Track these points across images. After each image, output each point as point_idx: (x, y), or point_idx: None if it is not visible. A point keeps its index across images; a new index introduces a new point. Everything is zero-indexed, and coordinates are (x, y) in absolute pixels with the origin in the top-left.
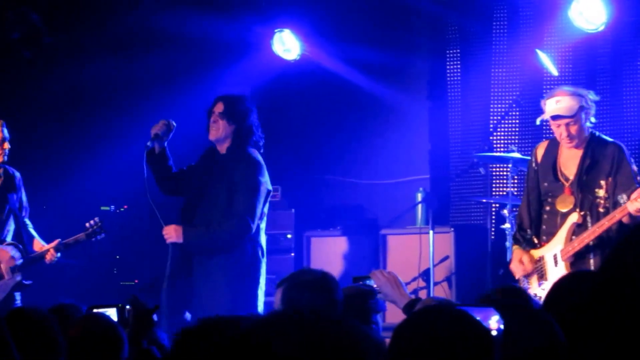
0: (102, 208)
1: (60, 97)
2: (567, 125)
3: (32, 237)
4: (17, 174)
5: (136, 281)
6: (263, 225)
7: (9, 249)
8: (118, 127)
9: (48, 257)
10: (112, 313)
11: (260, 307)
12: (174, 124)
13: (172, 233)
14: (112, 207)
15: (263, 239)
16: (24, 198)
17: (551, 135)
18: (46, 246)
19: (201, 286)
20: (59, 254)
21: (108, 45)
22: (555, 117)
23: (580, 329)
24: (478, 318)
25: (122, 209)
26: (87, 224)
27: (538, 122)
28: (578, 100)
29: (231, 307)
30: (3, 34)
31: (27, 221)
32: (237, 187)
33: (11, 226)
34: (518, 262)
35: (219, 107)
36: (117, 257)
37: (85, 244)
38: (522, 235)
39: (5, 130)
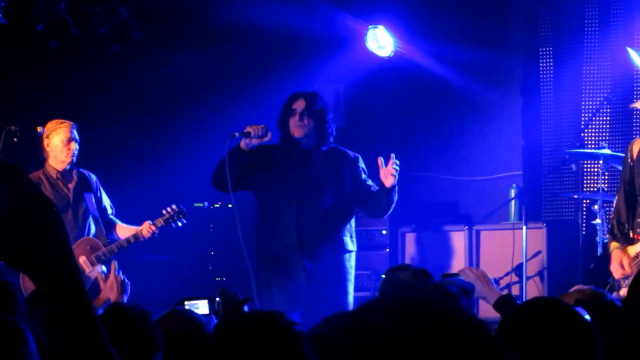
0: (196, 205)
1: (150, 92)
2: None
3: (114, 235)
4: (93, 177)
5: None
6: None
7: (85, 242)
8: (209, 122)
9: (145, 232)
10: (203, 305)
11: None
12: (270, 136)
13: None
14: (206, 203)
15: None
16: (105, 198)
17: None
18: (138, 228)
19: (322, 281)
20: (158, 229)
21: (196, 40)
22: None
23: None
24: None
25: (216, 205)
26: (164, 211)
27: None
28: None
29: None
30: (92, 29)
31: (114, 218)
32: (358, 177)
33: (92, 228)
34: (618, 264)
35: (301, 104)
36: (212, 253)
37: (168, 233)
38: (620, 230)
39: (75, 132)
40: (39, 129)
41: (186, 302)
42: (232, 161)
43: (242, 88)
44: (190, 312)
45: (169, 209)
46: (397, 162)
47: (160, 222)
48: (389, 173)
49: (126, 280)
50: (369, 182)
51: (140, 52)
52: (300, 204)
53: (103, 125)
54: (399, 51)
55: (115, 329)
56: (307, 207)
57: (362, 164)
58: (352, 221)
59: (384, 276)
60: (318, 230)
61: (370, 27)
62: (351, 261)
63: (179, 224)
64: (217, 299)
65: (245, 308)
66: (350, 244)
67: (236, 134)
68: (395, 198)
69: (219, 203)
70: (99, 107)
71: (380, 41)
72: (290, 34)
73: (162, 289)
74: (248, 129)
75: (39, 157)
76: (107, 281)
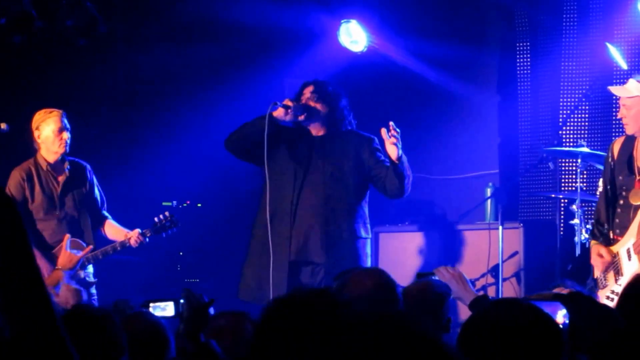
0: (164, 204)
1: (119, 88)
2: (624, 106)
3: (102, 232)
4: (88, 167)
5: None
6: None
7: (68, 247)
8: (179, 120)
9: (133, 242)
10: (169, 307)
11: None
12: (302, 120)
13: None
14: (174, 202)
15: None
16: (97, 190)
17: (622, 129)
18: (130, 233)
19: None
20: (146, 239)
21: (169, 34)
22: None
23: None
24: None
25: (184, 205)
26: (156, 219)
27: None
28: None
29: None
30: (57, 22)
31: (105, 213)
32: (371, 157)
33: (80, 226)
34: (597, 255)
35: (309, 90)
36: (181, 253)
37: (152, 239)
38: (599, 230)
39: (65, 120)
40: (2, 125)
41: (151, 304)
42: (259, 127)
43: (213, 84)
44: (150, 314)
45: (161, 217)
46: (398, 130)
47: (148, 232)
48: (390, 143)
49: (79, 287)
50: (387, 161)
51: (108, 47)
52: (301, 193)
53: (70, 121)
54: (373, 46)
55: (79, 330)
56: (309, 197)
57: (377, 144)
58: (365, 207)
59: (339, 278)
60: (323, 220)
61: (342, 21)
62: (366, 248)
63: (170, 233)
64: (182, 300)
65: (211, 310)
66: (363, 231)
67: (277, 103)
68: (408, 172)
69: (188, 202)
70: (64, 103)
71: (354, 36)
72: (261, 29)
73: (130, 289)
74: (288, 102)
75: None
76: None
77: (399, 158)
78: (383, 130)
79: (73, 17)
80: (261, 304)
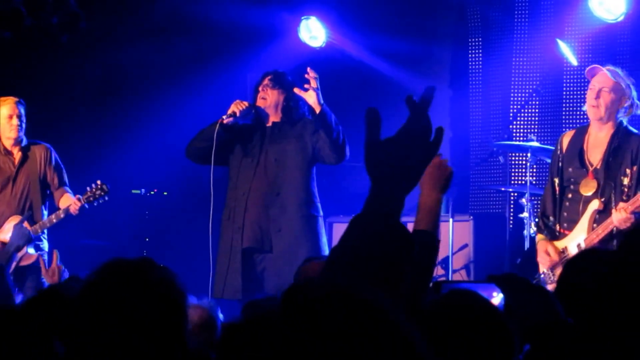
0: (133, 191)
1: (93, 83)
2: (600, 90)
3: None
4: (44, 147)
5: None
6: None
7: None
8: (148, 112)
9: (72, 209)
10: None
11: None
12: (254, 112)
13: None
14: (143, 190)
15: None
16: (55, 169)
17: (572, 124)
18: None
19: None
20: (86, 205)
21: (138, 32)
22: (594, 70)
23: (592, 307)
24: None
25: (152, 192)
26: (87, 188)
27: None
28: (621, 80)
29: None
30: (42, 19)
31: (63, 188)
32: (314, 133)
33: (33, 206)
34: (544, 253)
35: (267, 79)
36: (147, 239)
37: (104, 218)
38: (544, 222)
39: (19, 107)
40: None
41: None
42: (209, 135)
43: (180, 78)
44: None
45: (93, 186)
46: (316, 75)
47: (82, 200)
48: (310, 88)
49: (64, 267)
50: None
51: (88, 43)
52: (252, 184)
53: (49, 113)
54: (331, 41)
55: (53, 312)
56: (258, 185)
57: None
58: (314, 188)
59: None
60: (269, 205)
61: (303, 18)
62: (318, 227)
63: (101, 201)
64: None
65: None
66: (312, 209)
67: (223, 117)
68: (335, 125)
69: (155, 190)
70: (46, 96)
71: (313, 32)
72: (225, 26)
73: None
74: (233, 108)
75: None
76: (50, 268)
77: (321, 106)
78: (296, 89)
79: (58, 13)
80: (226, 298)
